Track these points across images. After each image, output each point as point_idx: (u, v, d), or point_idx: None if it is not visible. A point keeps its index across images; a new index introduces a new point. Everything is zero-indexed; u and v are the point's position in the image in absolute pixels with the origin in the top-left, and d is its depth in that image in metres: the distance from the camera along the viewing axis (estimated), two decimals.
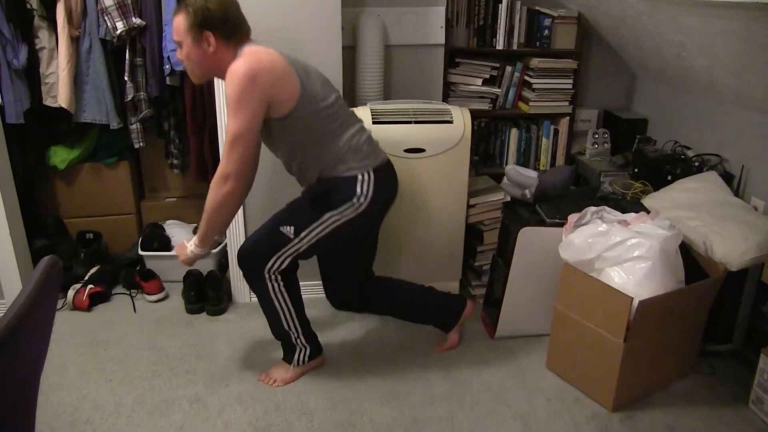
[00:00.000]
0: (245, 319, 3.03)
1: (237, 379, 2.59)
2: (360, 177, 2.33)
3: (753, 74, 2.59)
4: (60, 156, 3.27)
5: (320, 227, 2.36)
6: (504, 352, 2.81)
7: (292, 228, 2.37)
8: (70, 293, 3.08)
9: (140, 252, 3.30)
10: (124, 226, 3.52)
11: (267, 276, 2.42)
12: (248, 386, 2.55)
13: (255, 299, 3.09)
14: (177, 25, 2.17)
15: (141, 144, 3.24)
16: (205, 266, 3.24)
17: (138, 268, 3.31)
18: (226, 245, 3.19)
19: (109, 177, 3.42)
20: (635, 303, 2.26)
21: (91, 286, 3.11)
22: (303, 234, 2.36)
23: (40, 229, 3.31)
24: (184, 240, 2.45)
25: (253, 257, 2.43)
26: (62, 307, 3.07)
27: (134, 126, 3.18)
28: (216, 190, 2.24)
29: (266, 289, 2.46)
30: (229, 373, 2.63)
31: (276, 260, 2.40)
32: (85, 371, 2.61)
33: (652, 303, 2.27)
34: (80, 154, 3.32)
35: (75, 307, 3.06)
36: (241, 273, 2.50)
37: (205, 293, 3.09)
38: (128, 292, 3.22)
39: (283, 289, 2.46)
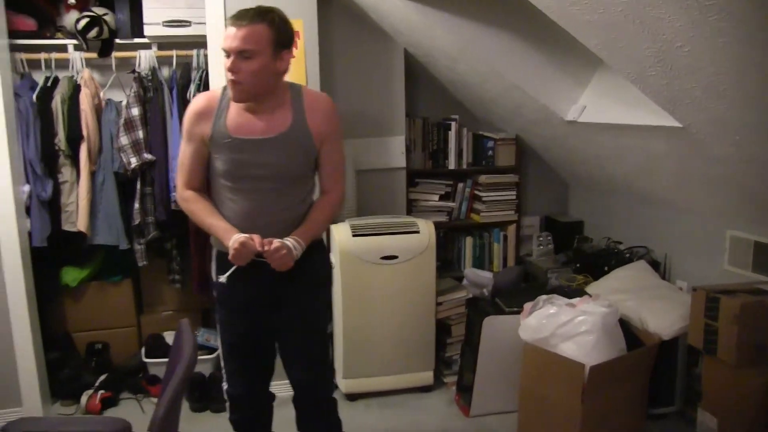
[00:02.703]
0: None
1: None
2: (324, 243, 2.50)
3: (657, 179, 3.20)
4: (71, 275, 3.65)
5: (329, 305, 2.65)
6: (480, 427, 3.21)
7: (331, 320, 2.63)
8: (83, 399, 3.38)
9: (144, 359, 3.63)
10: (125, 338, 3.83)
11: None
12: None
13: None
14: (255, 34, 2.04)
15: (144, 263, 3.64)
16: (206, 369, 3.58)
17: (141, 374, 3.63)
18: None
19: (113, 293, 3.78)
20: (587, 369, 2.73)
21: (102, 391, 3.42)
22: (331, 318, 2.66)
23: (51, 342, 3.60)
24: (281, 242, 2.17)
25: (330, 385, 2.56)
26: (75, 412, 3.35)
27: (139, 247, 3.59)
28: (338, 207, 2.39)
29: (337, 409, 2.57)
30: None
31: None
32: None
33: (600, 368, 2.74)
34: (89, 273, 3.70)
35: (88, 411, 3.36)
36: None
37: (208, 393, 3.43)
38: (134, 396, 3.52)
39: None
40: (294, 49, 2.20)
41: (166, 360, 3.59)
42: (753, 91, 1.90)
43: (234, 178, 2.24)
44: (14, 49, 3.40)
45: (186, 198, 2.33)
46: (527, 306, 3.12)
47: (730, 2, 1.56)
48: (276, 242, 2.14)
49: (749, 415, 2.40)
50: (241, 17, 2.04)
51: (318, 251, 2.40)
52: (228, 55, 2.08)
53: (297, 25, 3.16)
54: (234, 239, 2.14)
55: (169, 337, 3.82)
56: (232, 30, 2.05)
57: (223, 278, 2.23)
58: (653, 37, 1.91)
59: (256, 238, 2.15)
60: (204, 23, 3.30)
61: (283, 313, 2.37)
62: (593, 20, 2.03)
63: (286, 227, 2.25)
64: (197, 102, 2.29)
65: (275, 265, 2.15)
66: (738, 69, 1.81)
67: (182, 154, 2.33)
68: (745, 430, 2.32)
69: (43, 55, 3.49)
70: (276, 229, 2.22)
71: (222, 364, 2.50)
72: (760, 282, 2.72)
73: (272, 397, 2.59)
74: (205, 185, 2.36)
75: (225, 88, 2.24)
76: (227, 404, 2.52)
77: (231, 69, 2.06)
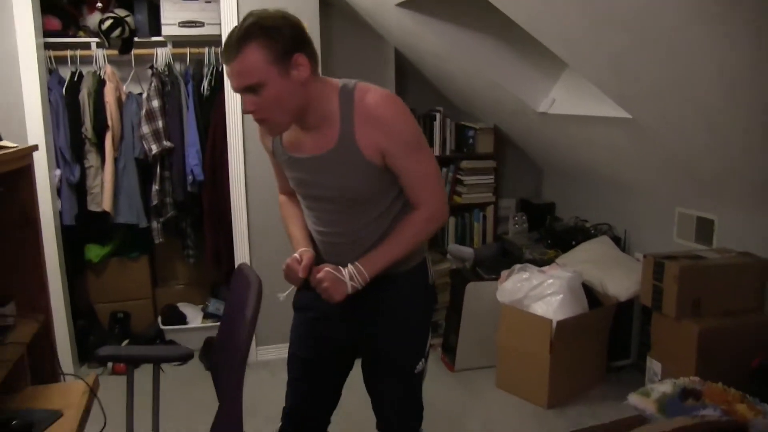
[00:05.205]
0: (256, 374, 3.78)
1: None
2: (426, 257, 2.07)
3: (618, 164, 3.65)
4: (94, 252, 4.05)
5: (429, 336, 2.10)
6: (463, 380, 3.68)
7: (423, 359, 2.05)
8: (110, 363, 3.78)
9: (162, 326, 4.05)
10: (142, 309, 4.25)
11: None
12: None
13: (261, 357, 3.87)
14: (247, 62, 1.65)
15: (160, 240, 4.04)
16: None
17: (158, 340, 4.05)
18: None
19: (131, 268, 4.19)
20: (554, 324, 3.20)
21: None
22: (427, 355, 2.08)
23: (77, 313, 3.99)
24: (335, 272, 1.86)
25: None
26: (102, 373, 3.76)
27: (156, 226, 4.00)
28: (427, 224, 1.90)
29: None
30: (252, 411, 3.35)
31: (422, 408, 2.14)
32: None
33: (566, 322, 3.21)
34: (110, 250, 4.10)
35: (115, 372, 3.76)
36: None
37: None
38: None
39: None
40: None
41: (180, 327, 4.06)
42: (687, 92, 2.35)
43: (302, 196, 2.00)
44: (43, 47, 3.76)
45: (280, 202, 2.16)
46: (504, 273, 3.58)
47: (660, 27, 2.01)
48: (323, 272, 1.85)
49: (685, 359, 2.87)
50: (227, 50, 1.69)
51: (405, 280, 1.99)
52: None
53: None
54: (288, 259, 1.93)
55: (182, 307, 4.25)
56: (227, 68, 1.71)
57: (282, 296, 1.98)
58: (603, 50, 2.36)
59: (306, 258, 1.90)
60: (217, 23, 3.72)
61: (360, 341, 2.07)
62: (558, 32, 2.48)
63: (368, 246, 1.91)
64: None
65: (323, 297, 1.87)
66: (673, 76, 2.26)
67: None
68: (683, 370, 2.78)
69: (69, 52, 3.88)
70: (355, 247, 1.92)
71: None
72: (699, 250, 3.19)
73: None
74: None
75: None
76: (278, 426, 2.22)
77: (246, 110, 1.74)
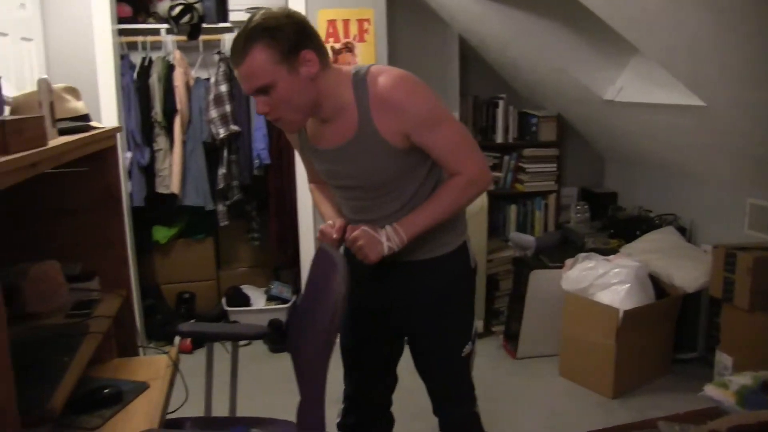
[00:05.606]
0: None
1: None
2: (467, 240, 2.07)
3: (686, 153, 3.58)
4: (161, 233, 4.15)
5: (474, 318, 2.11)
6: (526, 368, 3.67)
7: (470, 342, 2.05)
8: (176, 340, 3.87)
9: (226, 307, 4.13)
10: (206, 290, 4.35)
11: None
12: None
13: None
14: (255, 64, 1.65)
15: (225, 223, 4.12)
16: (282, 316, 4.07)
17: (222, 321, 4.13)
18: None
19: (196, 250, 4.29)
20: (621, 313, 3.16)
21: None
22: (474, 337, 2.08)
23: (143, 292, 4.10)
24: (372, 232, 1.84)
25: (467, 416, 2.13)
26: (169, 352, 3.85)
27: (222, 209, 4.07)
28: (467, 189, 1.86)
29: None
30: None
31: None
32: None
33: (633, 312, 3.17)
34: (177, 231, 4.20)
35: (181, 350, 3.84)
36: None
37: (285, 338, 3.90)
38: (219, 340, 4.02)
39: None
40: (310, 44, 1.70)
41: (244, 308, 4.14)
42: (766, 76, 2.30)
43: (334, 188, 2.01)
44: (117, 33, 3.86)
45: (310, 189, 2.21)
46: (568, 261, 3.55)
47: (743, 6, 1.96)
48: (360, 230, 1.85)
49: (760, 352, 2.82)
50: (234, 55, 1.70)
51: (447, 264, 2.01)
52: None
53: (368, 14, 3.62)
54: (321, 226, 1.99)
55: (245, 289, 4.32)
56: (237, 72, 1.72)
57: None
58: (682, 32, 2.32)
59: (339, 222, 1.94)
60: None
61: (405, 328, 2.11)
62: (632, 16, 2.44)
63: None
64: None
65: (359, 257, 1.86)
66: (753, 58, 2.21)
67: None
68: (756, 365, 2.72)
69: (139, 38, 3.98)
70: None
71: None
72: None
73: (391, 419, 2.32)
74: None
75: None
76: (341, 407, 2.25)
77: (260, 111, 1.74)
